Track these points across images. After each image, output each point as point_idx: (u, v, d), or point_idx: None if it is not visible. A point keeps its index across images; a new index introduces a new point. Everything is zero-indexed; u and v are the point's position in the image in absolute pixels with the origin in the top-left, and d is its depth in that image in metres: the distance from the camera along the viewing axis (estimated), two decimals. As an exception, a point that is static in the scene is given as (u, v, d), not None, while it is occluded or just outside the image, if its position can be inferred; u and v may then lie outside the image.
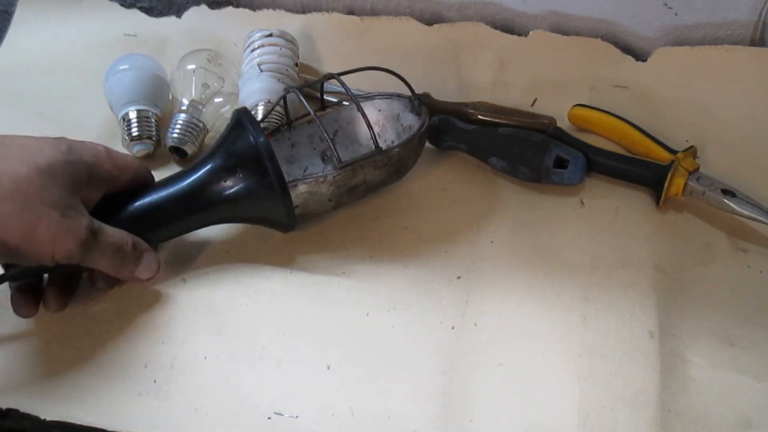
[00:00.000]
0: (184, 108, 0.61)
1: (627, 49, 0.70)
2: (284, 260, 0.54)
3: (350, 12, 0.75)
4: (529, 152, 0.57)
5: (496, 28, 0.72)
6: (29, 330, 0.50)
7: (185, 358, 0.48)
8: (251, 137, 0.50)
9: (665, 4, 0.68)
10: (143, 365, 0.48)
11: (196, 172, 0.51)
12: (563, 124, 0.62)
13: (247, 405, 0.46)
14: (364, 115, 0.53)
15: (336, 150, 0.52)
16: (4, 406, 0.45)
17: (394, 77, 0.57)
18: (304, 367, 0.48)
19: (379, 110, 0.59)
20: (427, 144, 0.61)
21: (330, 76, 0.55)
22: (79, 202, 0.46)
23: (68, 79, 0.69)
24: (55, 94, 0.68)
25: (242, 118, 0.52)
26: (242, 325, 0.50)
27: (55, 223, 0.43)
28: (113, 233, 0.47)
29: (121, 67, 0.62)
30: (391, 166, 0.54)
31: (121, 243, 0.47)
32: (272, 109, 0.58)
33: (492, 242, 0.55)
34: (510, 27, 0.73)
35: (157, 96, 0.62)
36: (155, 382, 0.47)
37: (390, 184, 0.57)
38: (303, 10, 0.75)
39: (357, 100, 0.54)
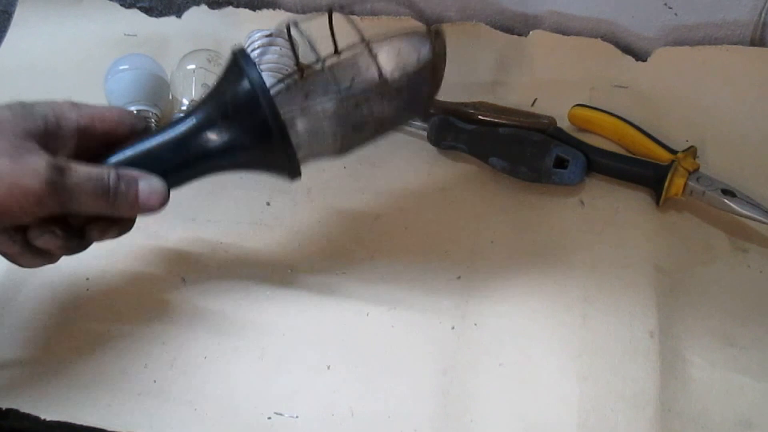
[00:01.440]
0: (184, 108, 0.61)
1: (627, 49, 0.70)
2: (284, 260, 0.54)
3: (350, 12, 0.75)
4: (529, 152, 0.57)
5: (496, 28, 0.72)
6: (29, 330, 0.50)
7: (185, 358, 0.48)
8: (245, 76, 0.45)
9: (665, 4, 0.68)
10: (143, 365, 0.48)
11: (190, 119, 0.46)
12: (563, 124, 0.62)
13: (247, 405, 0.46)
14: (366, 44, 0.47)
15: (339, 82, 0.47)
16: (4, 406, 0.45)
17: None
18: (304, 367, 0.48)
19: (399, 52, 0.53)
20: (428, 144, 0.61)
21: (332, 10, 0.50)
22: (35, 148, 0.41)
23: (68, 79, 0.69)
24: (55, 94, 0.68)
25: (237, 56, 0.46)
26: (242, 325, 0.50)
27: (6, 170, 0.39)
28: (85, 167, 0.42)
29: (121, 67, 0.62)
30: (400, 98, 0.48)
31: (100, 174, 0.42)
32: (274, 51, 0.52)
33: (492, 242, 0.55)
34: (510, 27, 0.73)
35: (157, 96, 0.62)
36: (155, 382, 0.47)
37: (403, 123, 0.50)
38: (303, 10, 0.75)
39: (367, 40, 0.48)
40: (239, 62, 0.45)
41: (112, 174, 0.43)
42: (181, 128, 0.46)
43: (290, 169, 0.47)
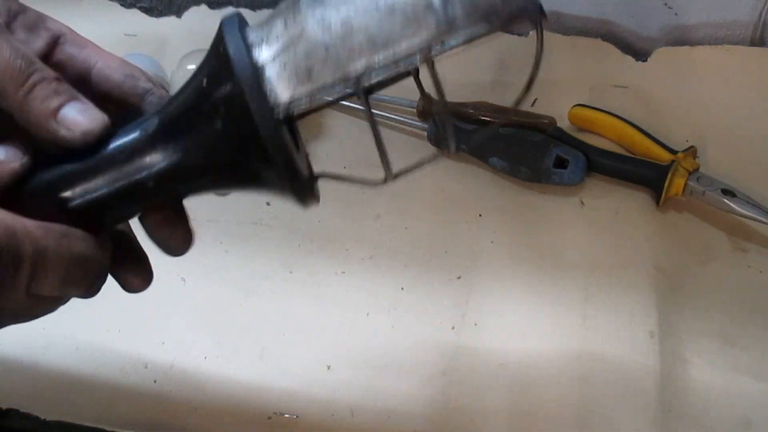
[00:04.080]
0: (184, 108, 0.61)
1: (627, 49, 0.70)
2: (284, 260, 0.54)
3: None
4: (529, 152, 0.57)
5: (496, 28, 0.71)
6: (30, 330, 0.50)
7: (185, 358, 0.48)
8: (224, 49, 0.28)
9: (665, 4, 0.68)
10: (143, 365, 0.48)
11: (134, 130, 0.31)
12: (563, 124, 0.62)
13: (247, 405, 0.46)
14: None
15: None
16: (4, 406, 0.45)
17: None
18: (304, 367, 0.48)
19: None
20: (428, 144, 0.61)
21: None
22: None
23: (68, 79, 0.69)
24: (55, 94, 0.68)
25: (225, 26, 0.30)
26: (242, 325, 0.50)
27: None
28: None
29: (121, 67, 0.62)
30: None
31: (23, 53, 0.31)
32: None
33: (492, 242, 0.55)
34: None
35: (157, 96, 0.62)
36: (155, 382, 0.47)
37: None
38: (303, 10, 0.75)
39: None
40: (221, 31, 0.29)
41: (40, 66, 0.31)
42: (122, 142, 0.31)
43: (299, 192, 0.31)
